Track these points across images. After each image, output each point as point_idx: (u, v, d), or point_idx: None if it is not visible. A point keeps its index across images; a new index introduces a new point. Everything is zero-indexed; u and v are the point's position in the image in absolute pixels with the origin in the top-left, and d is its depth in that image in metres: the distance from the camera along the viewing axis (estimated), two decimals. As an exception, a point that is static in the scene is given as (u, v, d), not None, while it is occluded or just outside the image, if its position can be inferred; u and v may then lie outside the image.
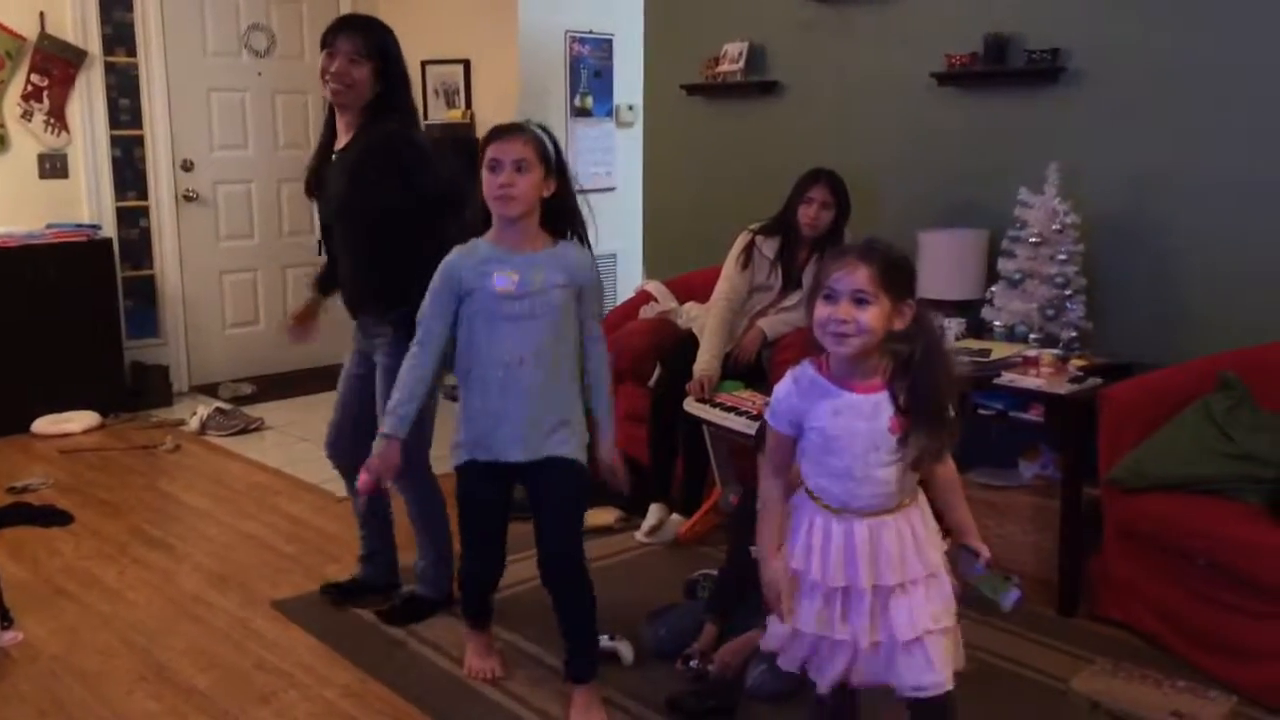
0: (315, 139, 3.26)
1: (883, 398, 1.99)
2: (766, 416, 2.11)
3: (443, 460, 3.27)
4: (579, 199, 2.64)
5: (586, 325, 2.67)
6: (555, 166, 2.56)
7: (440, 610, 3.23)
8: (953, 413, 2.02)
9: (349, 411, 3.21)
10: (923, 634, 2.02)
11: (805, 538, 2.07)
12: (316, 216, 3.26)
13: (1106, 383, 3.29)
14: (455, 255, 2.59)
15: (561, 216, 2.61)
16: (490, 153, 2.51)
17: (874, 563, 2.02)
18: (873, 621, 2.03)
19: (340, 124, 3.07)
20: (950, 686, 2.05)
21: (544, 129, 2.59)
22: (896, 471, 2.01)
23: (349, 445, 3.15)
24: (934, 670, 2.03)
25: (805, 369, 2.05)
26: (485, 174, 2.50)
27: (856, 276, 1.94)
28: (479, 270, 2.55)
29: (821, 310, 1.97)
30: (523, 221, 2.54)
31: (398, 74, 3.04)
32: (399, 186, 2.93)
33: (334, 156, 3.07)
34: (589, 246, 2.66)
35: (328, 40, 2.99)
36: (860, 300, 1.93)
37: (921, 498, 2.10)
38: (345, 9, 6.46)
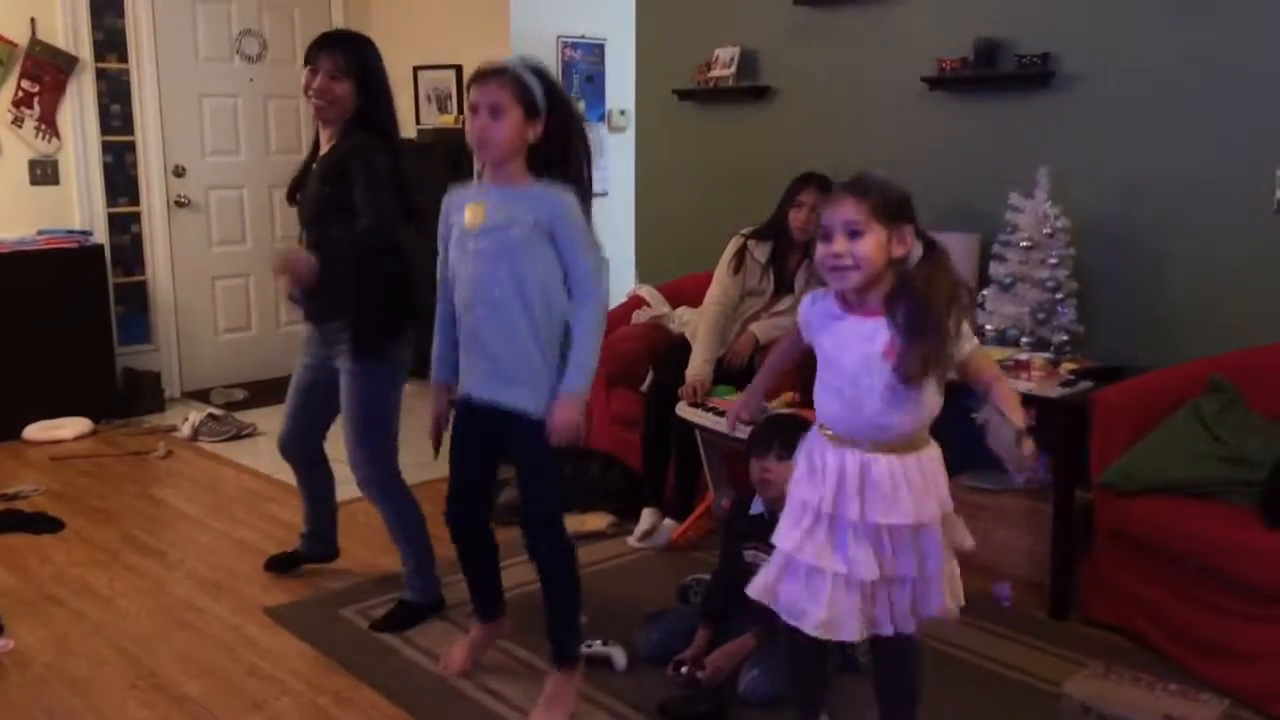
0: (308, 144, 3.31)
1: (879, 323, 2.02)
2: (797, 320, 2.23)
3: (415, 470, 3.32)
4: (581, 148, 2.56)
5: (570, 273, 2.51)
6: (546, 107, 2.48)
7: (431, 615, 3.23)
8: (954, 329, 2.02)
9: (299, 411, 3.33)
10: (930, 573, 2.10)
11: (806, 460, 2.14)
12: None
13: (1098, 386, 3.30)
14: (451, 189, 2.63)
15: (550, 159, 2.52)
16: (470, 95, 2.48)
17: (861, 495, 2.05)
18: (878, 558, 2.07)
19: (323, 137, 3.15)
20: (952, 613, 2.16)
21: (535, 69, 2.50)
22: (893, 404, 2.02)
23: (296, 444, 3.40)
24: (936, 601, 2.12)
25: (824, 293, 2.13)
26: (468, 116, 2.48)
27: (845, 208, 1.99)
28: (458, 204, 2.58)
29: (820, 249, 2.02)
30: (507, 165, 2.49)
31: (378, 88, 3.09)
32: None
33: (314, 166, 3.13)
34: (580, 187, 2.54)
35: (310, 57, 3.06)
36: (854, 232, 1.97)
37: (933, 450, 2.12)
38: (337, 15, 6.47)
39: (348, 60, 3.02)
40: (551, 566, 2.68)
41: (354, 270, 3.01)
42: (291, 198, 3.23)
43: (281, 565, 3.61)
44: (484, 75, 2.48)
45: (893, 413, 2.04)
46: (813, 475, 2.12)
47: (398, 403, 3.19)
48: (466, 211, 2.53)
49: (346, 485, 3.40)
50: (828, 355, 2.10)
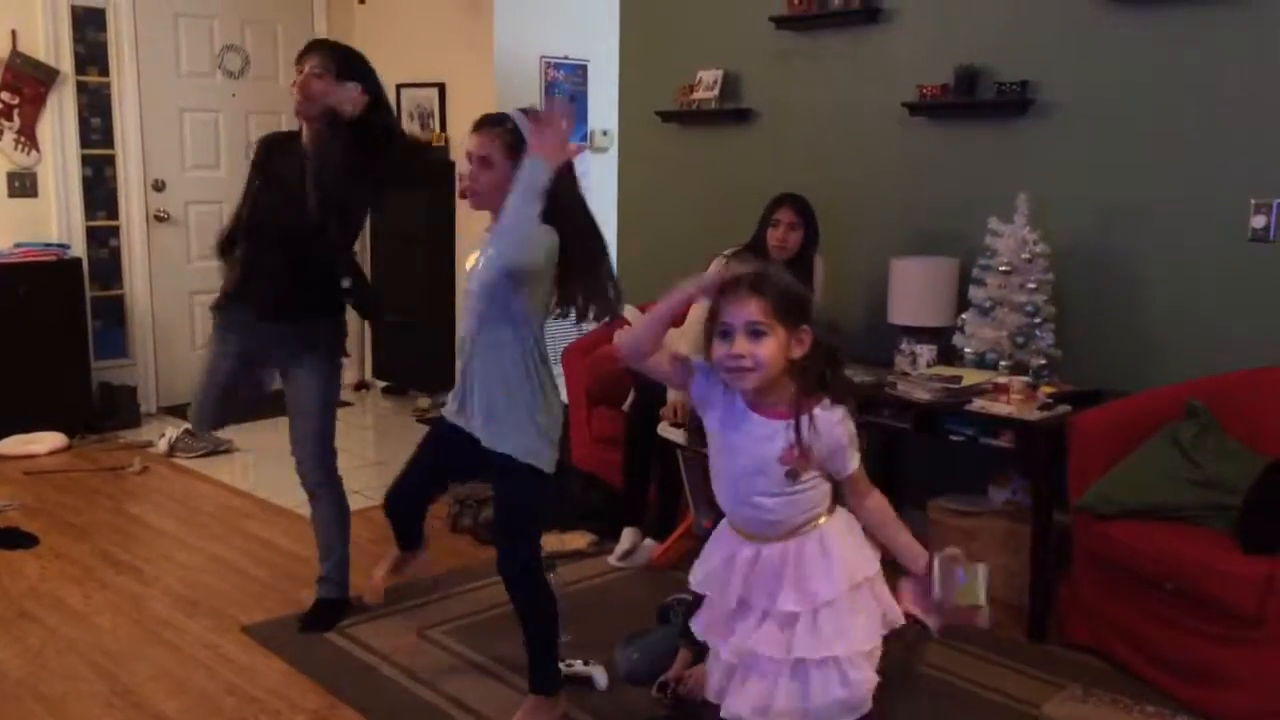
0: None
1: (780, 426, 1.93)
2: (694, 354, 2.08)
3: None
4: (577, 198, 2.58)
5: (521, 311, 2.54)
6: None
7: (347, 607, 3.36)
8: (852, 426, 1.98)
9: (217, 399, 3.41)
10: (837, 655, 1.94)
11: (711, 549, 2.08)
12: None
13: (1075, 410, 3.33)
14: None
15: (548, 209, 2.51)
16: (466, 144, 2.53)
17: (755, 583, 1.98)
18: (785, 638, 1.96)
19: (306, 134, 3.18)
20: (867, 709, 1.97)
21: (533, 113, 2.52)
22: (781, 504, 1.96)
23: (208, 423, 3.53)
24: (849, 687, 1.94)
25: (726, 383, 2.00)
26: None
27: (749, 308, 1.90)
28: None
29: (718, 348, 1.93)
30: (497, 214, 2.53)
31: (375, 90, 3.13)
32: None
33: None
34: (573, 237, 2.55)
35: (299, 58, 3.12)
36: (756, 332, 1.90)
37: (840, 515, 2.02)
38: (320, 30, 6.47)
39: (329, 60, 3.08)
40: (531, 614, 2.69)
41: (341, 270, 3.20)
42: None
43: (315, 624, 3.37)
44: (481, 125, 2.53)
45: (785, 511, 1.97)
46: (709, 567, 2.06)
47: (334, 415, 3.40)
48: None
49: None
50: (719, 438, 2.01)
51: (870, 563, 2.02)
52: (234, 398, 3.41)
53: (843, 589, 1.96)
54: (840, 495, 2.06)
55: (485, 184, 2.48)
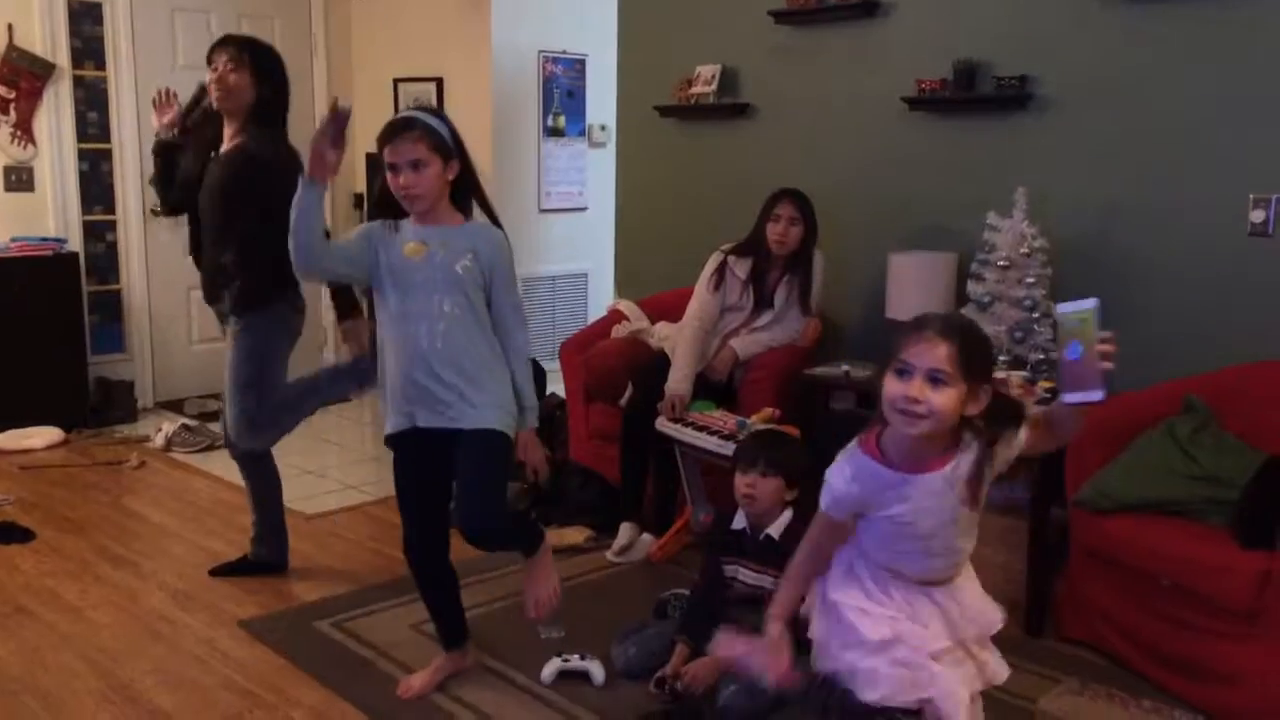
0: None
1: (950, 470, 1.86)
2: (824, 506, 1.97)
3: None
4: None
5: (499, 307, 2.69)
6: (455, 149, 2.62)
7: (273, 572, 3.61)
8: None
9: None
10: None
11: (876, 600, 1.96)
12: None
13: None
14: (373, 227, 2.70)
15: (466, 193, 2.69)
16: (386, 155, 2.57)
17: (959, 619, 1.98)
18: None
19: (227, 129, 3.37)
20: None
21: (435, 113, 2.64)
22: (969, 538, 1.96)
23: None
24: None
25: (861, 458, 1.90)
26: (387, 173, 2.57)
27: (936, 354, 1.78)
28: (393, 238, 2.65)
29: (893, 386, 1.81)
30: (435, 208, 2.63)
31: (278, 81, 3.37)
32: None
33: (216, 155, 3.39)
34: (495, 219, 2.73)
35: (208, 57, 3.35)
36: (936, 380, 1.78)
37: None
38: (317, 26, 6.46)
39: (242, 53, 3.29)
40: (520, 537, 2.82)
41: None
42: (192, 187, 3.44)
43: (231, 570, 3.68)
44: (395, 133, 2.57)
45: (969, 543, 1.98)
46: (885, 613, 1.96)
47: (282, 361, 3.45)
48: (405, 247, 2.63)
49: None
50: (900, 524, 1.89)
51: (997, 610, 2.08)
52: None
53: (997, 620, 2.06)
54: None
55: (426, 184, 2.57)
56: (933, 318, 1.86)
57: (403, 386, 2.66)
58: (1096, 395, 1.80)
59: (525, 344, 2.76)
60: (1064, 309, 1.81)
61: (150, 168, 3.68)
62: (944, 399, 1.78)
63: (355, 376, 3.48)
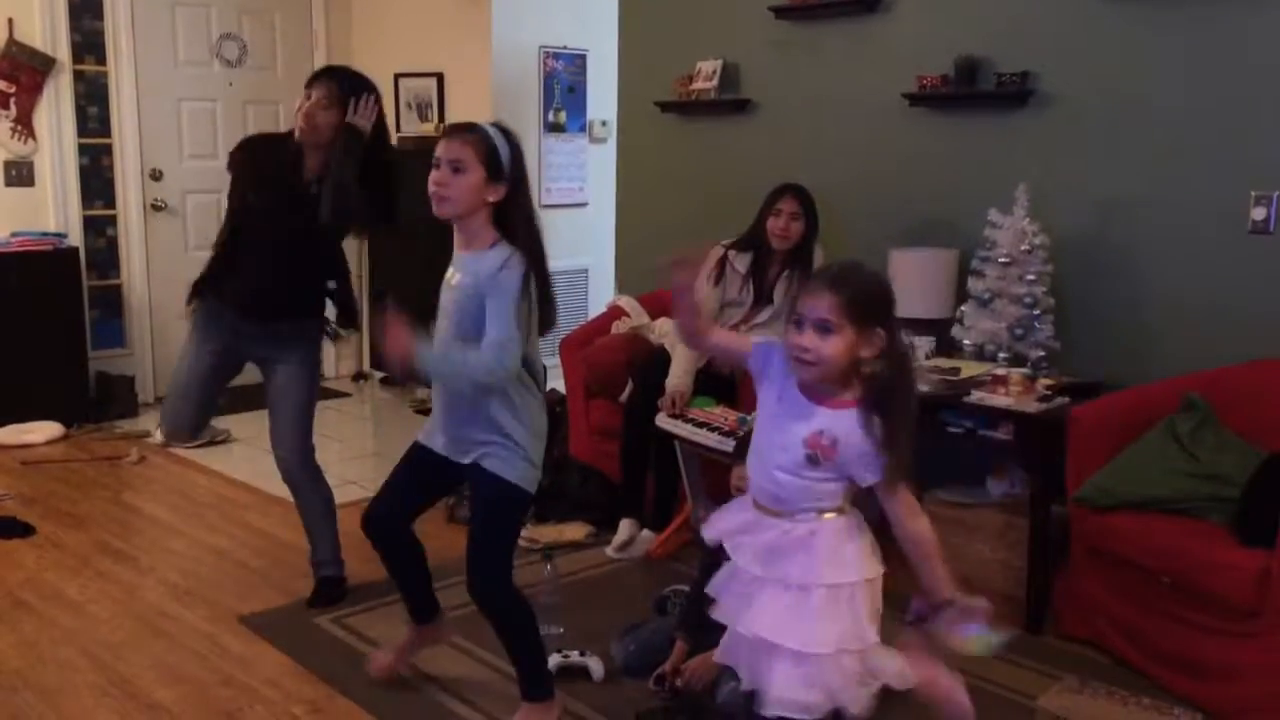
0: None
1: (823, 412, 1.96)
2: (754, 343, 2.11)
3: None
4: (536, 217, 2.55)
5: (486, 326, 2.46)
6: (508, 174, 2.48)
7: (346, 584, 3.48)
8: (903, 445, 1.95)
9: (198, 399, 3.42)
10: (787, 646, 1.96)
11: (729, 514, 2.13)
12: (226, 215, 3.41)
13: (1074, 402, 3.32)
14: None
15: (514, 227, 2.51)
16: (436, 150, 2.50)
17: (748, 549, 2.03)
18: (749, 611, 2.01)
19: (311, 160, 3.22)
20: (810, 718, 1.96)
21: (505, 131, 2.52)
22: (793, 484, 1.98)
23: (188, 428, 3.53)
24: (798, 690, 1.95)
25: (785, 359, 2.02)
26: (432, 169, 2.51)
27: (821, 304, 1.92)
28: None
29: (789, 334, 1.97)
30: (464, 222, 2.52)
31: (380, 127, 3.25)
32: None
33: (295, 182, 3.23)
34: (531, 259, 2.50)
35: (309, 82, 3.22)
36: (824, 328, 1.91)
37: (846, 520, 2.02)
38: (318, 20, 6.45)
39: (341, 92, 3.15)
40: (508, 629, 2.66)
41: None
42: (270, 194, 3.22)
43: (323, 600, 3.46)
44: (452, 131, 2.52)
45: (797, 492, 1.99)
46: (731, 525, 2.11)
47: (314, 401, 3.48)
48: (448, 272, 2.61)
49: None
50: (766, 409, 2.05)
51: (853, 570, 1.99)
52: (214, 399, 3.47)
53: (814, 582, 1.96)
54: (872, 508, 2.06)
55: (458, 189, 2.45)
56: (824, 270, 2.01)
57: (436, 409, 2.67)
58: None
59: (477, 365, 2.46)
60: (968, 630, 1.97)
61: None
62: (831, 347, 1.91)
63: None
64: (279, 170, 3.21)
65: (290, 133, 3.24)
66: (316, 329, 3.42)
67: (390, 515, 2.76)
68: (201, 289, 3.36)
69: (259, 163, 3.24)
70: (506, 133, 2.53)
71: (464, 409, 2.56)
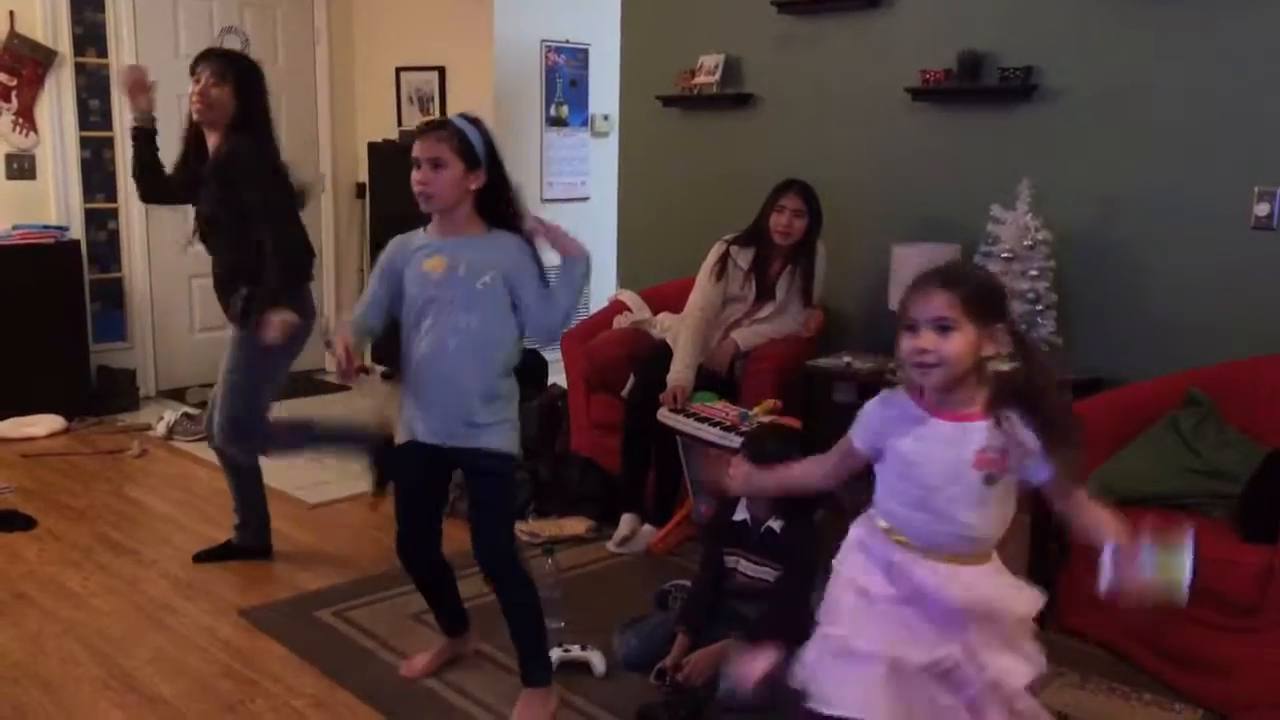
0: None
1: (974, 427, 1.84)
2: (851, 431, 1.98)
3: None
4: (517, 196, 2.66)
5: (528, 302, 2.61)
6: (485, 159, 2.58)
7: (258, 557, 3.67)
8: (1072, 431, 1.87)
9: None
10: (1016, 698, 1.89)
11: (875, 568, 1.93)
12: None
13: (1076, 398, 3.32)
14: (395, 240, 2.72)
15: (494, 208, 2.63)
16: (414, 150, 2.57)
17: (959, 605, 1.89)
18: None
19: (208, 140, 3.41)
20: None
21: (473, 121, 2.60)
22: (981, 517, 1.88)
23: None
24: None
25: (898, 394, 1.93)
26: (413, 170, 2.57)
27: (935, 303, 1.82)
28: (413, 255, 2.64)
29: (904, 343, 1.85)
30: (451, 214, 2.60)
31: (255, 93, 3.43)
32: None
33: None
34: (523, 235, 2.65)
35: (192, 68, 3.38)
36: (943, 328, 1.81)
37: (996, 562, 1.96)
38: (319, 14, 6.44)
39: (225, 68, 3.34)
40: (518, 604, 2.70)
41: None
42: (187, 197, 3.52)
43: (214, 557, 3.70)
44: (424, 130, 2.59)
45: (984, 525, 1.89)
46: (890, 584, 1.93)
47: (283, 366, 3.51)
48: (424, 263, 2.61)
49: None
50: (907, 462, 1.89)
51: (1034, 601, 1.97)
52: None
53: (1025, 615, 1.95)
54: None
55: (441, 184, 2.55)
56: (932, 271, 1.89)
57: (415, 399, 2.66)
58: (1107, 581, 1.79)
59: (554, 321, 2.67)
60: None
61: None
62: (953, 345, 1.80)
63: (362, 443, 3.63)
64: (185, 158, 3.45)
65: (189, 124, 3.45)
66: (241, 304, 3.38)
67: (421, 542, 2.81)
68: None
69: (184, 158, 3.50)
70: (475, 121, 2.62)
71: (463, 394, 2.59)
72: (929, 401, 1.89)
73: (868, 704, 1.86)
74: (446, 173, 2.54)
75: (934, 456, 1.87)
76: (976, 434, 1.84)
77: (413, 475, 2.77)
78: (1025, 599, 1.96)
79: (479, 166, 2.57)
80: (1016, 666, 1.93)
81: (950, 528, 1.88)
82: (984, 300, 1.84)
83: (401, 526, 2.80)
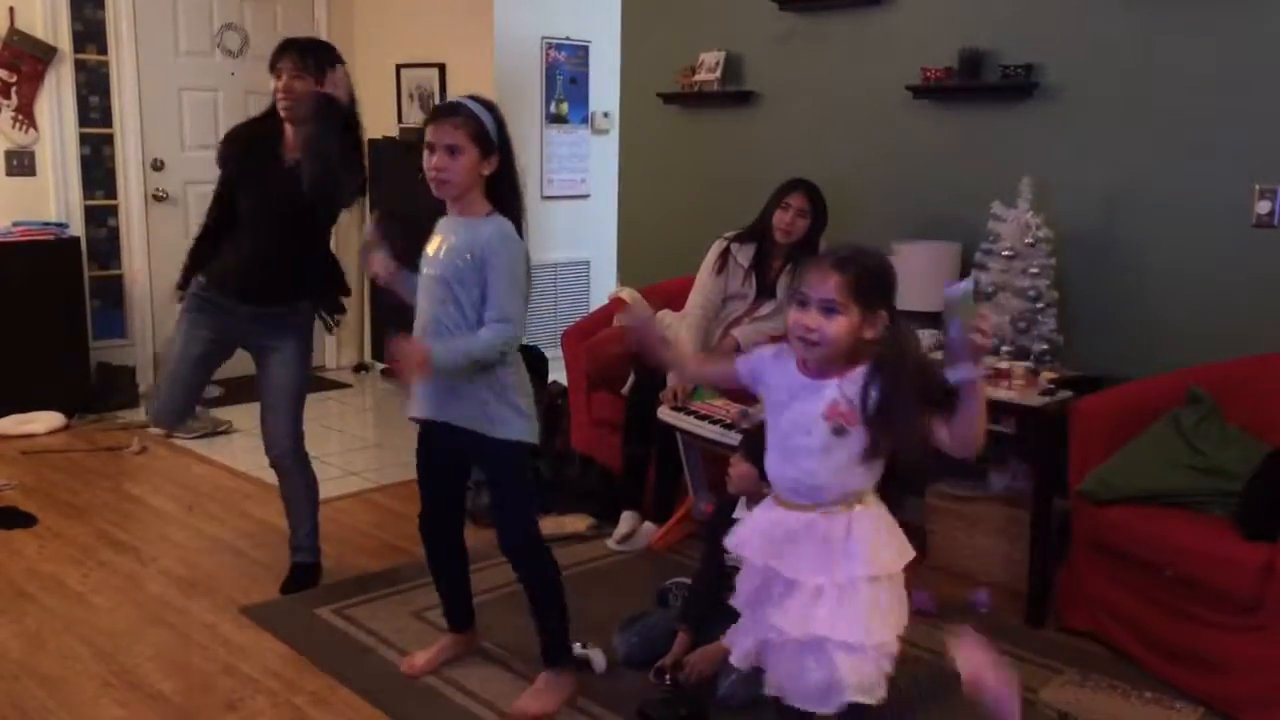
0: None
1: (831, 385, 1.96)
2: (740, 357, 2.17)
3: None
4: (520, 182, 2.66)
5: (488, 301, 2.53)
6: (498, 144, 2.56)
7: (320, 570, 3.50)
8: (921, 424, 1.93)
9: (189, 384, 3.39)
10: (822, 639, 1.94)
11: (754, 518, 2.12)
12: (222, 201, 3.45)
13: (1077, 395, 3.32)
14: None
15: (501, 193, 2.61)
16: (426, 135, 2.54)
17: (784, 552, 2.00)
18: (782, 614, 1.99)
19: (292, 135, 3.24)
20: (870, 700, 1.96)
21: (487, 105, 2.58)
22: (824, 466, 1.96)
23: (178, 413, 3.52)
24: (834, 682, 1.94)
25: (789, 357, 2.04)
26: (425, 153, 2.54)
27: (827, 285, 1.93)
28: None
29: (793, 315, 1.98)
30: (465, 198, 2.58)
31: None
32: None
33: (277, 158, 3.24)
34: (520, 224, 2.62)
35: (272, 64, 3.22)
36: (828, 309, 1.92)
37: (876, 510, 2.02)
38: (320, 11, 6.44)
39: (305, 59, 3.19)
40: (543, 585, 2.73)
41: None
42: (253, 172, 3.29)
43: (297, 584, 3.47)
44: (439, 115, 2.55)
45: (828, 476, 1.97)
46: (752, 532, 2.09)
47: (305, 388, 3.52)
48: (430, 243, 2.62)
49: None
50: (771, 403, 2.06)
51: (896, 561, 2.00)
52: (203, 385, 3.47)
53: (860, 575, 1.95)
54: (889, 494, 2.08)
55: (456, 171, 2.52)
56: (831, 250, 2.02)
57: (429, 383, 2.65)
58: (967, 372, 1.85)
59: (483, 346, 2.52)
60: (950, 289, 1.89)
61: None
62: (836, 327, 1.92)
63: None
64: (263, 149, 3.26)
65: (267, 114, 3.30)
66: (308, 313, 3.40)
67: (440, 520, 2.84)
68: (193, 273, 3.37)
69: (245, 147, 3.31)
70: (489, 105, 2.59)
71: (468, 382, 2.58)
72: (811, 371, 2.01)
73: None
74: (463, 159, 2.51)
75: (794, 409, 2.00)
76: (831, 389, 1.96)
77: (427, 452, 2.80)
78: (866, 560, 1.97)
79: (493, 152, 2.55)
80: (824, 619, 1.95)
81: (796, 474, 2.00)
82: (872, 286, 1.94)
83: (423, 503, 2.85)
